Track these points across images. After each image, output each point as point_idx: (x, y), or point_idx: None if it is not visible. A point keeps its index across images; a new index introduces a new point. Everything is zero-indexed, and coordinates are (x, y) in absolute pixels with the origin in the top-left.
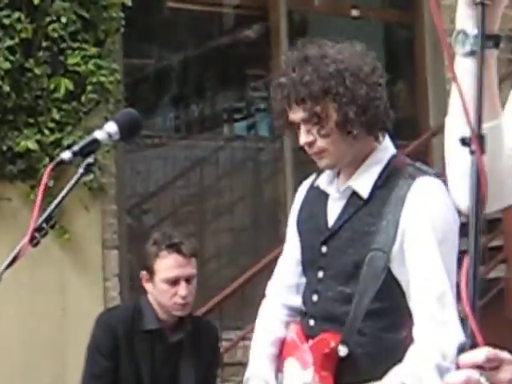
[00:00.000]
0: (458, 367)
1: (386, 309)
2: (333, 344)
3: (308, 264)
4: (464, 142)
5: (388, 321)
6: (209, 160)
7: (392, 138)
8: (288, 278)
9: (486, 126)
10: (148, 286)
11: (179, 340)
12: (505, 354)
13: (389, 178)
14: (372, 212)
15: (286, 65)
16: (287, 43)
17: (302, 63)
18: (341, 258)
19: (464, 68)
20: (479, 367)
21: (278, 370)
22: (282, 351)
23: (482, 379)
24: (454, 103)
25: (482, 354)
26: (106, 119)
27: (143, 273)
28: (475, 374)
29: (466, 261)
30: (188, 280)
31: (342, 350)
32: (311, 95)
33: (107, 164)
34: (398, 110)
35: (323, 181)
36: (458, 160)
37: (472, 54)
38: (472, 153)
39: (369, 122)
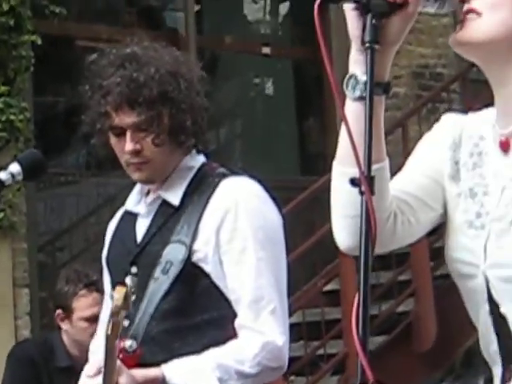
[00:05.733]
0: None
1: (180, 309)
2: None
3: None
4: (354, 182)
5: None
6: (120, 197)
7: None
8: None
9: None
10: (64, 324)
11: None
12: None
13: (200, 184)
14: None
15: (110, 63)
16: None
17: (132, 62)
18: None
19: (353, 112)
20: None
21: None
22: None
23: None
24: (342, 146)
25: None
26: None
27: (59, 311)
28: None
29: (357, 298)
30: None
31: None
32: (149, 98)
33: (18, 202)
34: (309, 145)
35: (131, 202)
36: (342, 201)
37: (361, 99)
38: (362, 193)
39: (198, 132)
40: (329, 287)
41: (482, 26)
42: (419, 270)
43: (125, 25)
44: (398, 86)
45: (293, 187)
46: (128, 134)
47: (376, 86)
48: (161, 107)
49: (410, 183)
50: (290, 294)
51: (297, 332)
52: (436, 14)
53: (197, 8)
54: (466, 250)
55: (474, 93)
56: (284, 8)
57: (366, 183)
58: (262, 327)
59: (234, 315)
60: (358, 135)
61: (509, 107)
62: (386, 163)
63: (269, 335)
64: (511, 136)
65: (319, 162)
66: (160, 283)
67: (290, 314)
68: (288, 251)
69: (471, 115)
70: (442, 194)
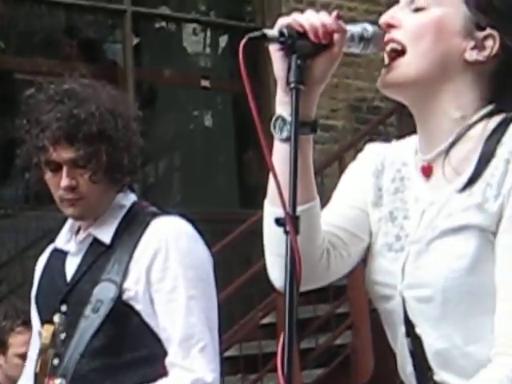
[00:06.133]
0: None
1: (110, 348)
2: None
3: None
4: (279, 222)
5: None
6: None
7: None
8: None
9: (300, 208)
10: None
11: None
12: None
13: (131, 223)
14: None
15: (49, 98)
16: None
17: (71, 98)
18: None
19: (282, 153)
20: None
21: None
22: None
23: None
24: (271, 185)
25: None
26: None
27: None
28: None
29: (282, 336)
30: None
31: None
32: (88, 135)
33: None
34: (248, 178)
35: (61, 240)
36: (271, 239)
37: (289, 139)
38: (286, 233)
39: (133, 170)
40: (266, 320)
41: (407, 61)
42: (356, 303)
43: (65, 57)
44: (335, 119)
45: (232, 220)
46: (64, 170)
47: (302, 126)
48: (99, 144)
49: (338, 216)
50: (226, 327)
51: (234, 365)
52: (361, 54)
53: (136, 40)
54: (386, 272)
55: (410, 126)
56: (223, 41)
57: (290, 223)
58: (191, 365)
59: (165, 353)
60: (287, 176)
61: (431, 138)
62: (317, 202)
63: (198, 372)
64: (433, 161)
65: (258, 195)
66: (91, 321)
67: (227, 348)
68: (225, 284)
69: (394, 143)
70: (367, 223)
